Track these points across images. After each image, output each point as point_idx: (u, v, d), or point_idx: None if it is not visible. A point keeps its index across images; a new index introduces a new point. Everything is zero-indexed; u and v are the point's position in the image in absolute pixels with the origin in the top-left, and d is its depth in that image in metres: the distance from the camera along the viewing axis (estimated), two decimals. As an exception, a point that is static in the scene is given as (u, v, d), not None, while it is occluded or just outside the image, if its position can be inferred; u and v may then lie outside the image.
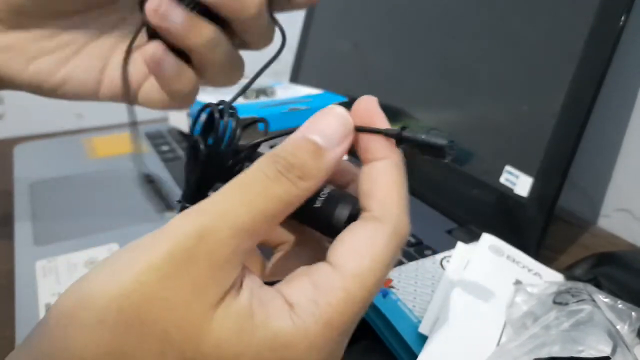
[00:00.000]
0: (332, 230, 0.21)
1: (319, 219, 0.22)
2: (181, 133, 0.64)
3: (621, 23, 0.34)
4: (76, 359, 0.17)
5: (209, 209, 0.19)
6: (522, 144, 0.40)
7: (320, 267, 0.20)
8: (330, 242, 0.21)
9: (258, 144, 0.23)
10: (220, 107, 0.22)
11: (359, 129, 0.21)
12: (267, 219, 0.19)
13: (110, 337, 0.17)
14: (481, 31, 0.44)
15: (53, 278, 0.36)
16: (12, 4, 0.28)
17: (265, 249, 0.26)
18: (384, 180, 0.21)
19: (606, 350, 0.24)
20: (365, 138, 0.21)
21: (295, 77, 0.70)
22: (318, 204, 0.22)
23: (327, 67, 0.66)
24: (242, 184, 0.20)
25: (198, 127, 0.23)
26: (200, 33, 0.28)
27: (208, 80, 0.31)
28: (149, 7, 0.27)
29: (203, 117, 0.23)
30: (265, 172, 0.20)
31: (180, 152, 0.58)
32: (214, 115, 0.22)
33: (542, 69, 0.39)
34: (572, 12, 0.37)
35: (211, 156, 0.22)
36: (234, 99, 0.25)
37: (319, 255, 0.22)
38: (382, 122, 0.21)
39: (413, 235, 0.41)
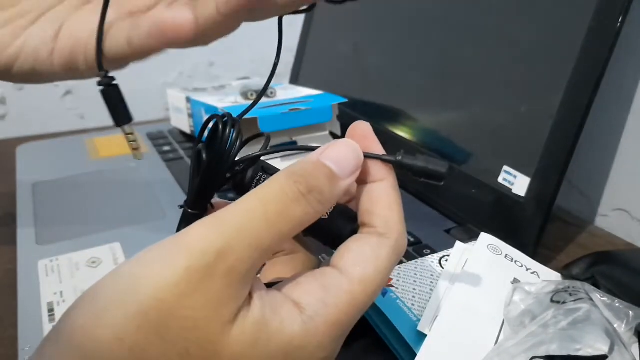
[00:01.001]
0: (336, 241, 0.23)
1: (325, 230, 0.24)
2: (183, 133, 0.64)
3: (619, 24, 0.34)
4: None
5: (228, 222, 0.19)
6: (520, 144, 0.40)
7: (327, 271, 0.21)
8: (325, 253, 0.22)
9: (257, 157, 0.24)
10: (225, 119, 0.23)
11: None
12: (283, 238, 0.20)
13: (128, 356, 0.17)
14: (479, 32, 0.45)
15: (55, 277, 0.36)
16: None
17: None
18: (385, 201, 0.22)
19: (603, 349, 0.24)
20: (365, 161, 0.23)
21: (295, 78, 0.70)
22: (325, 216, 0.23)
23: (327, 68, 0.66)
24: (263, 201, 0.20)
25: (204, 136, 0.24)
26: None
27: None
28: None
29: (209, 127, 0.24)
30: (286, 191, 0.20)
31: (182, 153, 0.59)
32: (218, 127, 0.23)
33: (540, 69, 0.39)
34: (570, 12, 0.37)
35: (212, 165, 0.23)
36: (244, 113, 0.26)
37: (308, 263, 0.23)
38: (377, 146, 0.23)
39: (412, 235, 0.41)
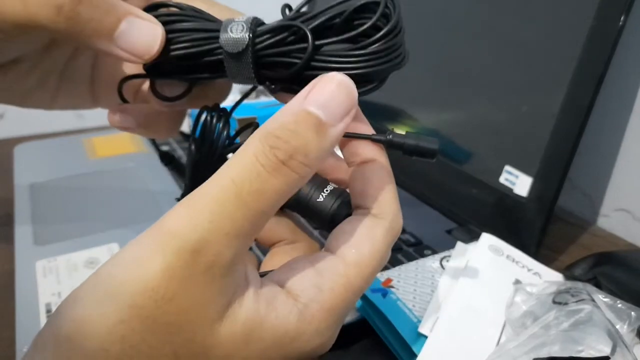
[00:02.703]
0: (332, 224, 0.22)
1: (321, 213, 0.23)
2: (182, 133, 0.64)
3: (620, 23, 0.34)
4: None
5: (201, 211, 0.17)
6: (521, 144, 0.40)
7: (321, 255, 0.21)
8: (322, 238, 0.22)
9: None
10: (212, 112, 0.23)
11: (349, 135, 0.22)
12: (264, 216, 0.18)
13: None
14: (481, 31, 0.44)
15: (53, 278, 0.36)
16: None
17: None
18: (376, 181, 0.22)
19: (606, 350, 0.24)
20: (354, 142, 0.22)
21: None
22: (321, 199, 0.23)
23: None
24: (235, 179, 0.17)
25: (197, 130, 0.24)
26: None
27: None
28: None
29: (201, 121, 0.24)
30: (262, 162, 0.17)
31: (181, 152, 0.58)
32: (207, 120, 0.23)
33: (542, 69, 0.39)
34: (571, 12, 0.37)
35: (202, 158, 0.23)
36: (236, 105, 0.26)
37: (310, 252, 0.23)
38: (366, 127, 0.22)
39: (413, 235, 0.41)
